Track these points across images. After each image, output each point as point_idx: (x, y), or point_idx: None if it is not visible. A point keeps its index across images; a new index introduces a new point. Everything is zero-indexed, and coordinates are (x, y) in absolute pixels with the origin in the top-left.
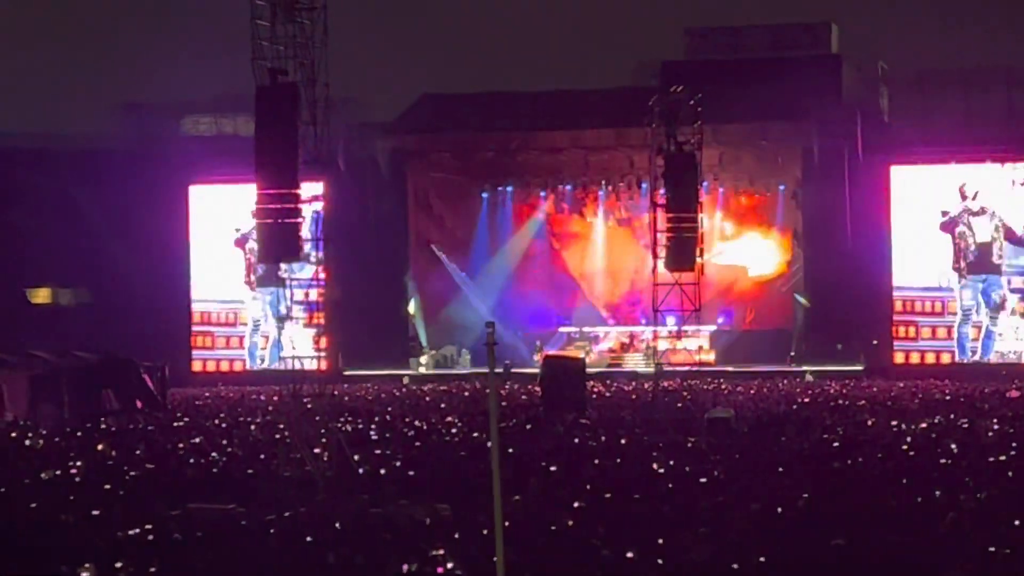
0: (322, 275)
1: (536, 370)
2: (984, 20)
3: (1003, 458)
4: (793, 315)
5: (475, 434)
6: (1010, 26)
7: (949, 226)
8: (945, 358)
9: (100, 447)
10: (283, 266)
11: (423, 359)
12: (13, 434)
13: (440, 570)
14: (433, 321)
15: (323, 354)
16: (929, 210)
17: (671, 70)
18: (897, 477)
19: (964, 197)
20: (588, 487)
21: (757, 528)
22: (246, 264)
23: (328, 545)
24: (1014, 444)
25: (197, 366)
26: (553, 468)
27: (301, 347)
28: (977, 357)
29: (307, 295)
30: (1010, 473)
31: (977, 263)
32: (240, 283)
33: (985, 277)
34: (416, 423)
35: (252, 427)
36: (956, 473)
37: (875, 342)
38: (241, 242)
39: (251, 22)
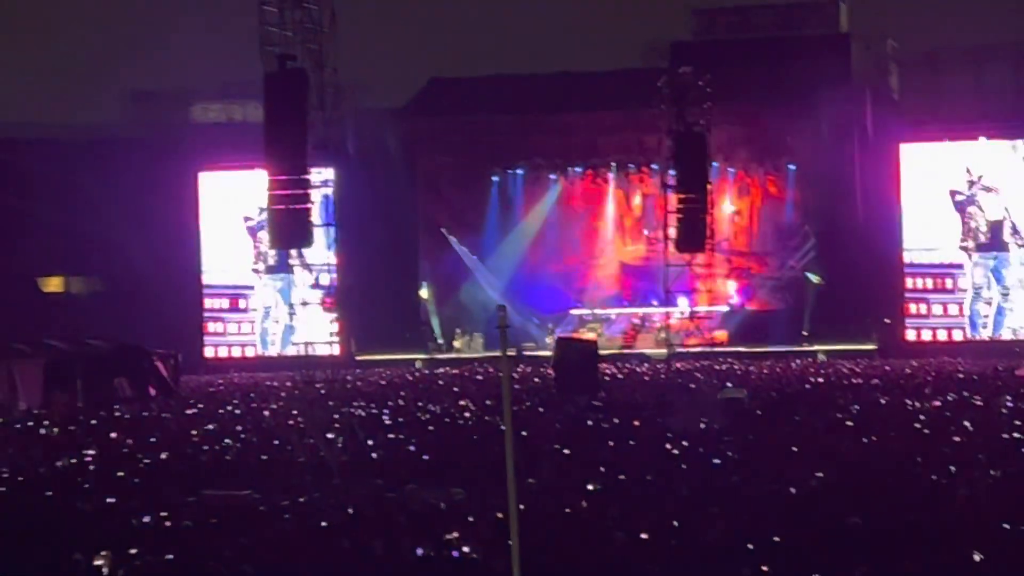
0: (333, 260)
1: (549, 353)
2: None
3: (1017, 435)
4: (805, 294)
5: (488, 418)
6: (1020, 3)
7: (961, 205)
8: (957, 335)
9: (113, 435)
10: (293, 252)
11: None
12: (29, 422)
13: (455, 554)
14: (445, 305)
15: (336, 339)
16: (939, 188)
17: (680, 51)
18: (911, 455)
19: (972, 176)
20: (602, 469)
21: (771, 508)
22: (255, 251)
23: (343, 530)
24: None
25: (209, 353)
26: (567, 451)
27: (314, 333)
28: (989, 333)
29: (318, 280)
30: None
31: (988, 241)
32: (250, 270)
33: (996, 255)
34: (429, 407)
35: (265, 413)
36: (970, 450)
37: (887, 320)
38: (252, 230)
39: (259, 8)
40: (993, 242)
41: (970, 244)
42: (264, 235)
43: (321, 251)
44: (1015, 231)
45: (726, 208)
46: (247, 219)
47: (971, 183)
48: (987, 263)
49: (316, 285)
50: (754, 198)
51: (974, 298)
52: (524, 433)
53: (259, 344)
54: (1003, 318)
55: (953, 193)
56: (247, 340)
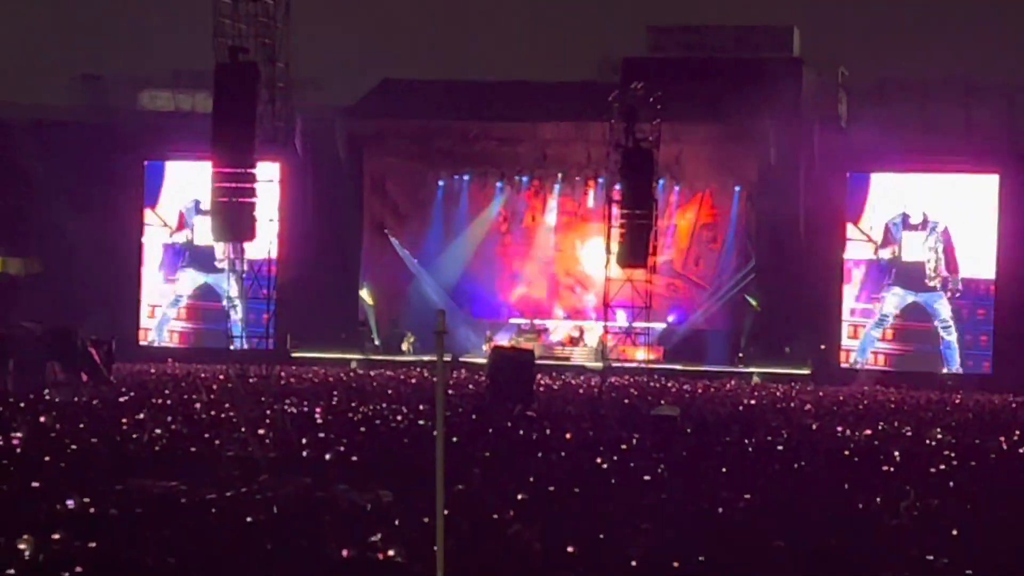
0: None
1: (485, 360)
2: (945, 31)
3: (944, 468)
4: (743, 316)
5: (421, 422)
6: (971, 38)
7: (886, 241)
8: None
9: (42, 419)
10: (222, 245)
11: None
12: None
13: (380, 556)
14: (384, 306)
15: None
16: (883, 218)
17: (632, 66)
18: (840, 482)
19: (906, 212)
20: (531, 480)
21: (698, 527)
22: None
23: (268, 527)
24: (955, 454)
25: (144, 341)
26: (497, 459)
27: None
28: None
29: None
30: (951, 483)
31: (907, 280)
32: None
33: (918, 293)
34: (362, 408)
35: (197, 405)
36: (898, 480)
37: (823, 346)
38: (184, 217)
39: None
40: (911, 281)
41: (895, 275)
42: (197, 224)
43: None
44: (942, 271)
45: (669, 225)
46: (185, 206)
47: (904, 219)
48: (907, 297)
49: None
50: (698, 217)
51: (876, 325)
52: (455, 439)
53: (154, 332)
54: (952, 352)
55: (887, 223)
56: (181, 329)
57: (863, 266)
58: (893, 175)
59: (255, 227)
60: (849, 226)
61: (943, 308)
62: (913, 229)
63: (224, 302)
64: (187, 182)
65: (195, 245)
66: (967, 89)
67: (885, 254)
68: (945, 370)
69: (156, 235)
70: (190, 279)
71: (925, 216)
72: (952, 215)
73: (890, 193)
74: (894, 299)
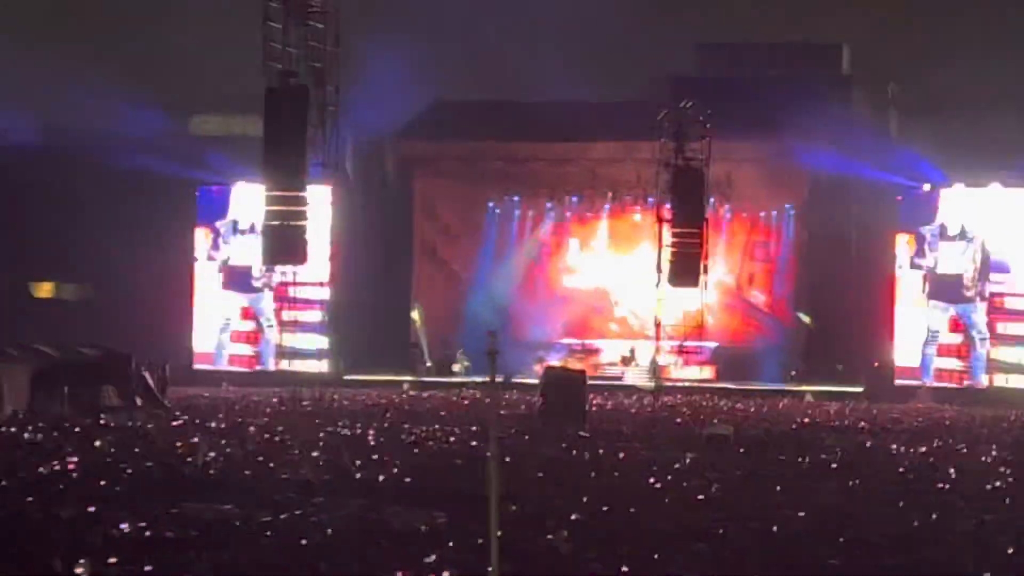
0: (325, 279)
1: (537, 381)
2: (996, 45)
3: (999, 484)
4: (795, 334)
5: (473, 443)
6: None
7: (921, 253)
8: (947, 381)
9: (97, 443)
10: (280, 268)
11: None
12: (13, 427)
13: None
14: (435, 328)
15: (325, 358)
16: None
17: (681, 84)
18: (895, 500)
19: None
20: (585, 500)
21: (753, 546)
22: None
23: (323, 549)
24: (1011, 471)
25: (199, 364)
26: (550, 480)
27: (304, 350)
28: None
29: (308, 299)
30: (1007, 500)
31: (938, 290)
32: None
33: (955, 305)
34: (415, 430)
35: (251, 428)
36: (953, 498)
37: (876, 363)
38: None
39: (263, 23)
40: (950, 293)
41: (928, 289)
42: (238, 246)
43: (314, 268)
44: (978, 281)
45: (720, 244)
46: (224, 227)
47: (941, 230)
48: (952, 309)
49: (301, 303)
50: (749, 236)
51: (928, 342)
52: (508, 460)
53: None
54: (981, 364)
55: (923, 235)
56: (235, 353)
57: (914, 283)
58: (943, 190)
59: (307, 250)
60: (900, 243)
61: (980, 319)
62: (950, 240)
63: (263, 321)
64: (237, 205)
65: (231, 265)
66: (1018, 103)
67: (925, 262)
68: (968, 382)
69: (205, 258)
70: (234, 301)
71: (963, 227)
72: (996, 228)
73: (938, 208)
74: (936, 313)
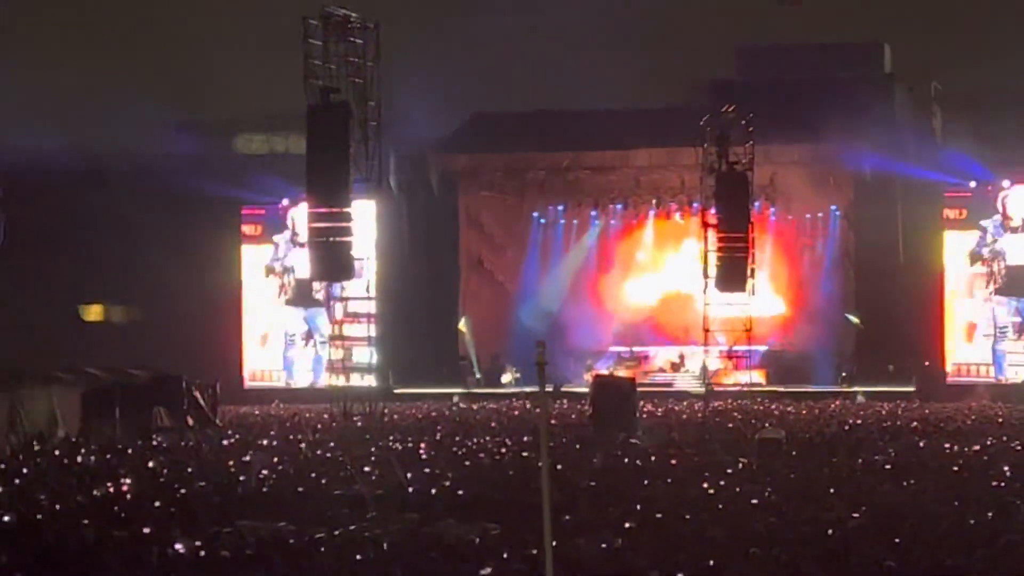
0: (372, 293)
1: (586, 390)
2: None
3: None
4: (845, 336)
5: (524, 453)
6: None
7: (986, 247)
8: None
9: (151, 464)
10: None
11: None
12: (67, 451)
13: None
14: (484, 340)
15: (374, 373)
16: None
17: (722, 88)
18: (950, 499)
19: (1005, 214)
20: (638, 507)
21: (808, 549)
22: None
23: (377, 564)
24: None
25: (249, 383)
26: (603, 488)
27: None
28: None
29: (356, 313)
30: None
31: (1010, 283)
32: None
33: (1019, 299)
34: (466, 442)
35: (302, 445)
36: (1009, 495)
37: (927, 363)
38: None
39: (303, 41)
40: (1013, 285)
41: (993, 287)
42: (293, 264)
43: (360, 283)
44: None
45: (767, 249)
46: (277, 246)
47: (999, 225)
48: (1010, 304)
49: (354, 318)
50: (796, 238)
51: (997, 339)
52: (560, 468)
53: (285, 374)
54: None
55: (983, 231)
56: (285, 371)
57: (964, 280)
58: (991, 188)
59: (353, 266)
60: (947, 241)
61: None
62: (1014, 231)
63: (317, 337)
64: (283, 224)
65: (298, 279)
66: None
67: (985, 253)
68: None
69: (256, 274)
70: (296, 316)
71: (1016, 221)
72: None
73: (988, 206)
74: (1002, 309)
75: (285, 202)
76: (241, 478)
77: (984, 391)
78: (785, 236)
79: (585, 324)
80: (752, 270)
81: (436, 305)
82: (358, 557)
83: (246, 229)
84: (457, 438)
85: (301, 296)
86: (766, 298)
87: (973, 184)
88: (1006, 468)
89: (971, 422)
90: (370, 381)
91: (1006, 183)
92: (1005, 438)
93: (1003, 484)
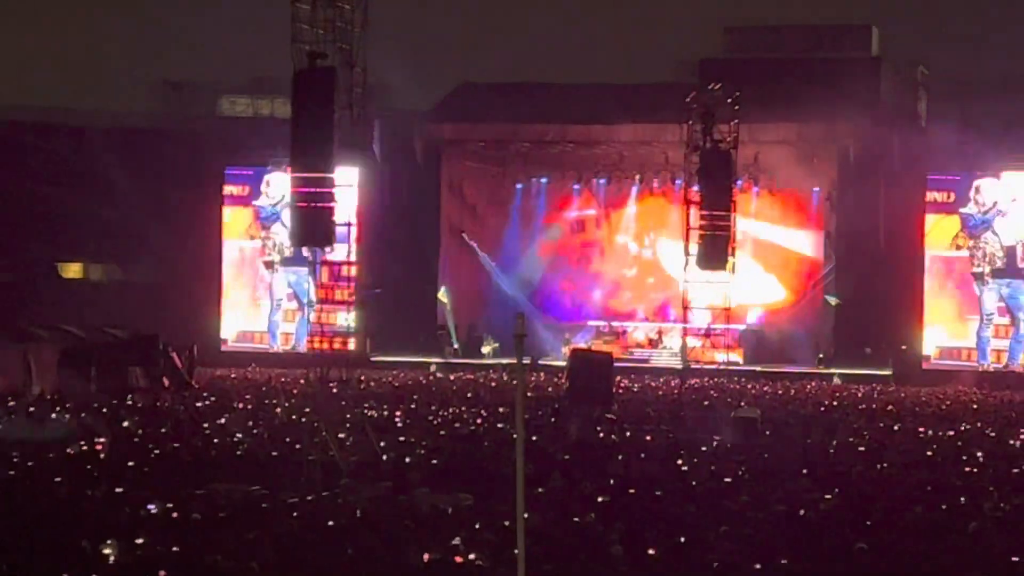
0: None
1: (564, 363)
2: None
3: None
4: (824, 317)
5: (500, 425)
6: None
7: (974, 230)
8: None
9: (126, 424)
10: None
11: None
12: (42, 407)
13: (460, 559)
14: (463, 310)
15: (352, 339)
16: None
17: (709, 67)
18: (922, 483)
19: (980, 202)
20: (611, 482)
21: (780, 529)
22: (267, 242)
23: (350, 531)
24: None
25: (226, 345)
26: (577, 462)
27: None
28: (997, 361)
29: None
30: None
31: (1003, 267)
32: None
33: (1009, 281)
34: (442, 412)
35: (278, 409)
36: (981, 482)
37: (904, 347)
38: (263, 220)
39: (291, 4)
40: (1008, 268)
41: (985, 269)
42: (278, 227)
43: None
44: None
45: (748, 227)
46: (260, 209)
47: (987, 208)
48: (1000, 290)
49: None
50: (777, 218)
51: (983, 324)
52: (534, 438)
53: (268, 337)
54: (1021, 346)
55: (967, 217)
56: (263, 334)
57: (944, 265)
58: (973, 173)
59: (334, 232)
60: (929, 226)
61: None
62: (1000, 214)
63: (304, 300)
64: (266, 187)
65: (278, 242)
66: None
67: (975, 240)
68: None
69: (237, 240)
70: (280, 280)
71: (1006, 204)
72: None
73: (970, 191)
74: (990, 294)
75: (269, 166)
76: (215, 440)
77: (969, 377)
78: (767, 215)
79: (564, 298)
80: (733, 248)
81: (416, 274)
82: (331, 523)
83: (230, 190)
84: (433, 408)
85: (284, 260)
86: (746, 277)
87: (956, 168)
88: (979, 454)
89: (945, 407)
90: (348, 346)
91: (986, 171)
92: (979, 424)
93: (975, 470)
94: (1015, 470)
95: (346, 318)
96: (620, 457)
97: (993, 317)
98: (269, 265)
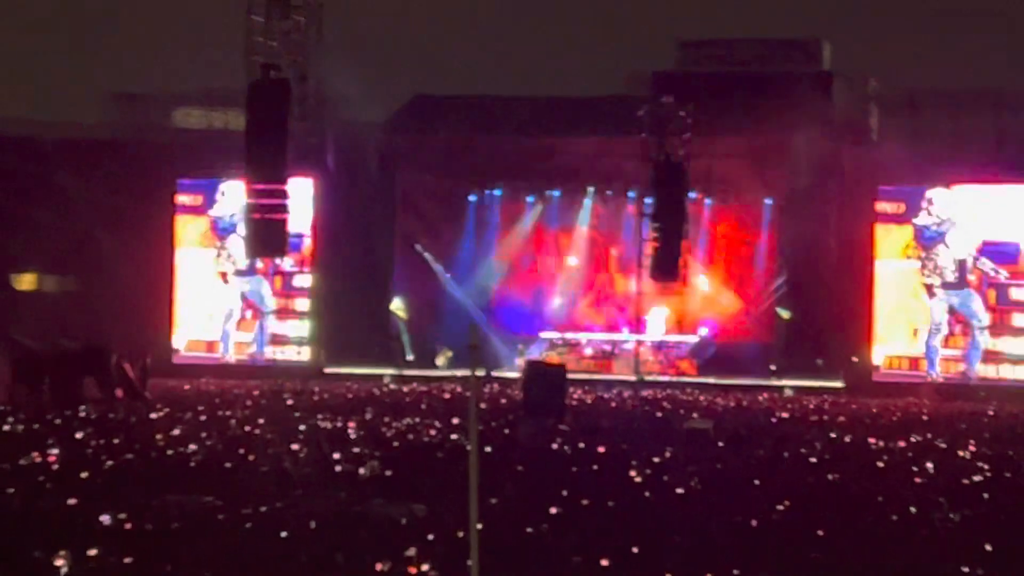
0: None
1: (518, 374)
2: (976, 41)
3: (977, 479)
4: (775, 329)
5: (454, 436)
6: (1002, 49)
7: (927, 242)
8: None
9: (78, 435)
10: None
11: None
12: None
13: (413, 570)
14: (417, 321)
15: (305, 351)
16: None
17: (662, 80)
18: (872, 494)
19: (933, 213)
20: (565, 493)
21: (732, 540)
22: (221, 253)
23: (303, 542)
24: (989, 466)
25: (180, 357)
26: (530, 473)
27: (283, 343)
28: (956, 373)
29: (290, 291)
30: (985, 495)
31: (954, 280)
32: (216, 273)
33: (957, 292)
34: (395, 423)
35: (232, 421)
36: (931, 492)
37: (855, 359)
38: (220, 232)
39: (246, 16)
40: (958, 281)
41: (936, 281)
42: (234, 238)
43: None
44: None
45: (700, 239)
46: (217, 219)
47: (940, 220)
48: (949, 299)
49: (287, 292)
50: (729, 230)
51: (931, 335)
52: (487, 449)
53: (220, 347)
54: (978, 352)
55: (920, 228)
56: (215, 343)
57: (895, 276)
58: (924, 187)
59: (287, 243)
60: (880, 237)
61: (979, 306)
62: (953, 227)
63: (262, 308)
64: (220, 199)
65: (231, 253)
66: (998, 99)
67: (918, 255)
68: (963, 371)
69: (193, 250)
70: (233, 289)
71: (953, 219)
72: (984, 225)
73: (921, 204)
74: (941, 304)
75: (222, 177)
76: (168, 452)
77: (929, 389)
78: (719, 227)
79: (518, 309)
80: (686, 260)
81: (370, 285)
82: (284, 534)
83: (182, 199)
84: (387, 419)
85: (237, 271)
86: (698, 289)
87: (907, 181)
88: (929, 465)
89: (896, 419)
90: (304, 357)
91: (936, 185)
92: (930, 435)
93: (925, 481)
94: (964, 481)
95: (297, 328)
96: (573, 468)
97: (941, 327)
98: (223, 276)
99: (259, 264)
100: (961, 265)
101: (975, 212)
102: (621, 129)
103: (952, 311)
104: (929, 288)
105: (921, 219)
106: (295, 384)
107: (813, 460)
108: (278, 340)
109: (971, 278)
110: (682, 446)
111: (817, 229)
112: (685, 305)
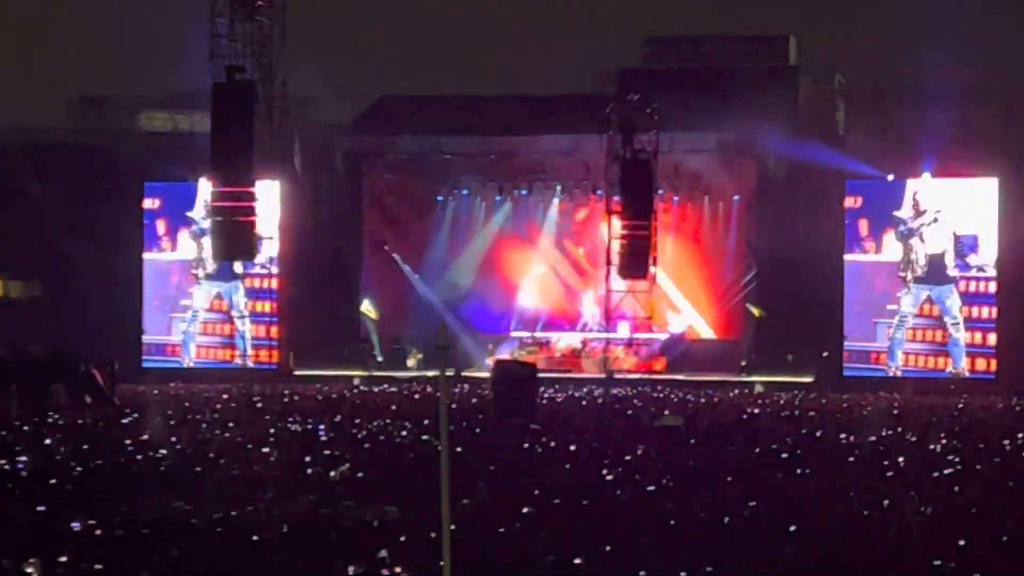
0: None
1: (488, 374)
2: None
3: (948, 472)
4: (745, 325)
5: (425, 437)
6: (966, 43)
7: (904, 235)
8: (895, 371)
9: (47, 441)
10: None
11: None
12: None
13: (386, 573)
14: (386, 322)
15: (274, 354)
16: (882, 223)
17: (629, 78)
18: (844, 488)
19: (917, 207)
20: (536, 493)
21: (705, 536)
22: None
23: (275, 545)
24: (959, 459)
25: (148, 362)
26: (502, 473)
27: (252, 345)
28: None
29: (259, 292)
30: (956, 488)
31: (924, 274)
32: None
33: (932, 287)
34: (366, 425)
35: (202, 425)
36: (903, 486)
37: (825, 354)
38: (194, 234)
39: (210, 19)
40: (930, 276)
41: (907, 276)
42: (206, 242)
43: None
44: (958, 264)
45: (669, 236)
46: (191, 222)
47: (921, 213)
48: (924, 294)
49: (257, 295)
50: (698, 227)
51: (896, 327)
52: (459, 449)
53: (182, 349)
54: (960, 349)
55: (897, 221)
56: (177, 346)
57: (864, 271)
58: (892, 181)
59: (255, 245)
60: (848, 233)
61: (954, 303)
62: (923, 222)
63: (234, 313)
64: (187, 203)
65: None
66: (964, 93)
67: (894, 251)
68: (952, 369)
69: (156, 254)
70: (204, 292)
71: (931, 210)
72: (953, 218)
73: (890, 198)
74: (909, 297)
75: (188, 180)
76: (138, 457)
77: (906, 385)
78: (688, 224)
79: (487, 308)
80: (654, 258)
81: (338, 287)
82: (255, 538)
83: (148, 203)
84: (357, 421)
85: (208, 275)
86: (668, 286)
87: (873, 176)
88: (900, 459)
89: (867, 413)
90: (270, 360)
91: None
92: (900, 429)
93: (897, 474)
94: (935, 474)
95: (265, 331)
96: (544, 467)
97: (907, 319)
98: (194, 279)
99: (238, 268)
100: (935, 260)
101: (943, 204)
102: (588, 127)
103: (929, 303)
104: (903, 281)
105: (902, 212)
106: (264, 388)
107: (784, 455)
108: (247, 345)
109: (952, 275)
110: (653, 443)
111: (785, 224)
112: (654, 302)
